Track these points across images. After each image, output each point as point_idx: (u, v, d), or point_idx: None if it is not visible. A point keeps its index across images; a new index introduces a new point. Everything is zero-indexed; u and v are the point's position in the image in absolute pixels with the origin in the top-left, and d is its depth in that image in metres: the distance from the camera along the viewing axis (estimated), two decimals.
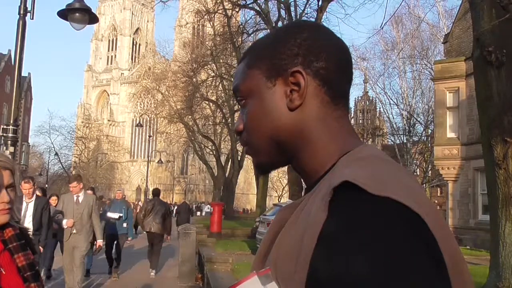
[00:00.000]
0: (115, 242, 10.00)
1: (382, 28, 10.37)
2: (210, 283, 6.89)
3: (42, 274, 7.02)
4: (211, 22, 28.11)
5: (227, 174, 34.58)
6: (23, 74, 8.32)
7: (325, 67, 0.73)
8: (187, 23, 43.86)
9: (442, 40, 23.95)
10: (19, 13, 6.70)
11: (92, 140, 77.66)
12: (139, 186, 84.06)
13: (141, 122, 43.64)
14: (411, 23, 33.37)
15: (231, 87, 28.61)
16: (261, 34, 24.42)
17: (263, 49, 0.78)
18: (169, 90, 37.16)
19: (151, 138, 48.59)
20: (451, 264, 0.58)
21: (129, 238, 10.57)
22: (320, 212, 0.59)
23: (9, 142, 6.64)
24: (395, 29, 34.49)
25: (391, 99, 35.59)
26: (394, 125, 36.44)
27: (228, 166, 35.21)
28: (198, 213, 49.21)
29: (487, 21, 6.08)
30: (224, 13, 24.29)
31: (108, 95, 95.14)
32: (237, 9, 23.82)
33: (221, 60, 28.82)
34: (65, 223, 6.97)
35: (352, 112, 44.63)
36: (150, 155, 49.13)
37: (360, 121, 43.97)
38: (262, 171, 0.81)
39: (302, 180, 0.78)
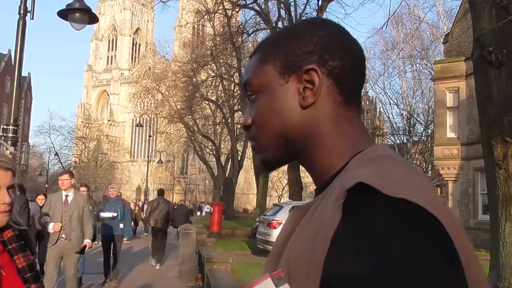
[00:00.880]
0: (112, 245, 9.22)
1: (383, 28, 10.35)
2: (210, 283, 6.89)
3: None
4: (211, 22, 28.11)
5: (227, 174, 34.58)
6: (23, 74, 8.33)
7: (340, 67, 0.72)
8: (187, 23, 43.86)
9: (442, 40, 23.95)
10: (19, 13, 6.70)
11: (92, 140, 77.67)
12: (139, 186, 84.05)
13: (141, 122, 43.66)
14: (411, 23, 33.38)
15: (231, 87, 28.66)
16: (261, 34, 24.43)
17: (277, 44, 0.76)
18: (169, 90, 37.15)
19: (151, 138, 48.61)
20: (465, 265, 0.58)
21: (125, 239, 9.90)
22: (334, 214, 0.59)
23: (9, 142, 6.64)
24: (395, 29, 34.51)
25: (391, 99, 35.63)
26: (394, 125, 36.46)
27: (228, 166, 35.21)
28: (198, 213, 49.21)
29: (487, 22, 6.08)
30: (224, 13, 24.29)
31: (108, 95, 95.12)
32: (237, 9, 23.82)
33: (221, 60, 28.81)
34: (51, 227, 5.94)
35: None
36: (150, 155, 49.13)
37: None
38: (268, 167, 0.80)
39: (312, 179, 0.77)
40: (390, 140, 40.53)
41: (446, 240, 0.56)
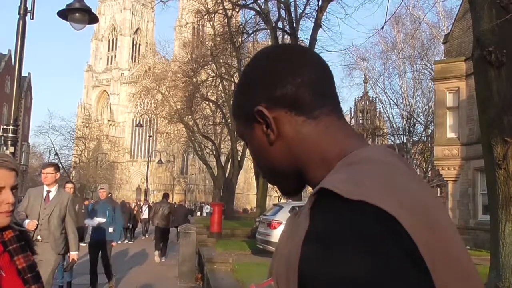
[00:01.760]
0: (100, 252, 8.39)
1: (382, 28, 10.36)
2: (210, 283, 6.89)
3: None
4: (211, 22, 28.10)
5: (227, 174, 34.58)
6: (23, 74, 8.32)
7: (284, 92, 0.75)
8: (187, 23, 43.84)
9: (442, 40, 23.95)
10: (19, 13, 6.70)
11: (92, 140, 77.62)
12: (139, 186, 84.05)
13: (141, 122, 43.66)
14: (411, 23, 33.37)
15: (231, 87, 28.72)
16: (261, 34, 24.44)
17: (235, 100, 0.84)
18: (169, 90, 37.14)
19: (151, 138, 48.62)
20: (450, 266, 0.59)
21: (114, 243, 8.62)
22: (303, 221, 0.62)
23: (9, 142, 6.64)
24: (395, 29, 34.49)
25: (391, 99, 35.58)
26: (394, 125, 36.43)
27: (228, 166, 35.20)
28: (198, 213, 49.20)
29: (487, 21, 6.08)
30: (224, 13, 24.28)
31: (108, 95, 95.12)
32: (237, 9, 23.80)
33: (221, 60, 28.80)
34: (25, 224, 5.06)
35: (352, 112, 44.63)
36: (150, 155, 49.16)
37: (360, 121, 43.92)
38: (288, 195, 0.85)
39: None
40: (390, 140, 40.52)
41: (402, 241, 0.57)
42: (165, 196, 14.69)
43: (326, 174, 0.71)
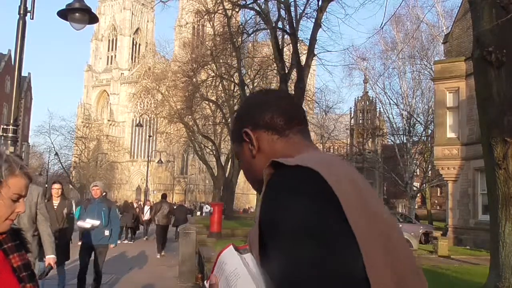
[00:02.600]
0: (94, 256, 7.37)
1: (382, 28, 10.36)
2: None
3: None
4: (211, 22, 28.11)
5: (227, 174, 34.58)
6: (23, 74, 8.31)
7: (265, 121, 1.06)
8: (187, 23, 43.86)
9: (442, 40, 23.95)
10: (19, 13, 6.70)
11: (92, 140, 77.63)
12: (139, 186, 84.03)
13: (141, 122, 43.63)
14: (411, 23, 33.36)
15: (231, 87, 28.74)
16: (261, 34, 24.42)
17: (231, 127, 1.19)
18: (169, 90, 37.15)
19: (151, 138, 48.60)
20: (369, 223, 0.83)
21: (112, 246, 7.64)
22: (264, 188, 0.92)
23: (9, 142, 6.64)
24: (395, 29, 34.48)
25: (391, 99, 35.54)
26: (394, 125, 36.42)
27: (228, 166, 35.20)
28: (198, 213, 49.20)
29: (487, 21, 6.08)
30: (224, 13, 24.27)
31: (108, 95, 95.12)
32: (237, 9, 23.78)
33: (221, 60, 28.80)
34: None
35: (352, 112, 44.64)
36: (150, 155, 49.14)
37: (360, 121, 43.96)
38: None
39: None
40: (390, 140, 40.56)
41: (324, 191, 0.84)
42: (164, 196, 16.16)
43: None
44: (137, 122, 50.34)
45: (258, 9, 21.35)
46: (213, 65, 30.01)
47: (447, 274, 9.78)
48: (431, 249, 15.94)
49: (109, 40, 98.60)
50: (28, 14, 6.75)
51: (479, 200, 17.25)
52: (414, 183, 35.65)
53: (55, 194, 6.94)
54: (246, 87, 27.16)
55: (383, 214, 0.88)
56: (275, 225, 0.82)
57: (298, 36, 20.25)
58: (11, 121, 6.81)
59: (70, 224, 7.26)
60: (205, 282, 0.94)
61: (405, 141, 34.44)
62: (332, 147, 49.49)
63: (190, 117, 33.73)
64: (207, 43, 33.59)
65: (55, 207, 6.84)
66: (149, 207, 20.82)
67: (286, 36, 21.98)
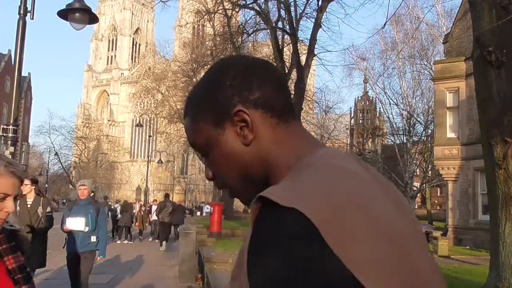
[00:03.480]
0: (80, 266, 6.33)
1: (383, 28, 10.36)
2: (210, 283, 6.89)
3: None
4: (211, 22, 28.10)
5: None
6: (23, 74, 8.32)
7: (262, 95, 0.78)
8: (187, 23, 43.85)
9: (442, 40, 23.95)
10: (19, 13, 6.70)
11: (92, 140, 77.66)
12: (139, 186, 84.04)
13: (141, 122, 43.64)
14: (411, 23, 33.35)
15: None
16: (261, 34, 24.42)
17: (201, 101, 0.82)
18: (169, 90, 37.14)
19: (151, 138, 48.59)
20: (387, 261, 0.60)
21: (100, 258, 6.49)
22: (250, 229, 0.66)
23: (9, 142, 6.64)
24: (395, 29, 34.47)
25: (391, 99, 35.51)
26: (394, 125, 36.38)
27: None
28: (198, 213, 49.17)
29: (487, 21, 6.08)
30: (224, 13, 24.26)
31: (108, 95, 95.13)
32: (237, 9, 23.79)
33: None
34: None
35: (352, 112, 44.64)
36: (150, 155, 49.16)
37: (360, 121, 43.94)
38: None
39: None
40: (390, 140, 40.53)
41: (314, 258, 0.60)
42: (167, 196, 17.79)
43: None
44: (137, 122, 50.33)
45: (258, 9, 21.36)
46: None
47: (447, 274, 9.77)
48: (431, 249, 15.91)
49: (109, 40, 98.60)
50: (28, 14, 6.75)
51: (479, 200, 17.25)
52: (414, 183, 35.64)
53: (25, 191, 6.04)
54: None
55: (423, 263, 0.66)
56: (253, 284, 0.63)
57: (298, 36, 20.25)
58: (11, 121, 6.82)
59: (49, 225, 6.31)
60: None
61: (405, 141, 34.42)
62: (332, 147, 49.49)
63: None
64: (207, 43, 33.59)
65: (29, 204, 6.09)
66: (157, 206, 19.79)
67: (286, 36, 21.98)
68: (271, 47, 22.07)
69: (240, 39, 24.02)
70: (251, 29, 23.14)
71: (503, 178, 5.99)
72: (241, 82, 0.78)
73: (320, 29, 19.01)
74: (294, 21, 19.66)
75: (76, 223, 6.11)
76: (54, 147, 62.82)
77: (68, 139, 69.12)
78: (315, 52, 20.25)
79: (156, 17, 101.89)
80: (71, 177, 70.16)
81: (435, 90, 19.91)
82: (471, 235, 17.35)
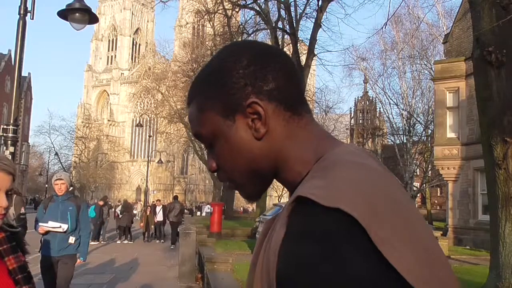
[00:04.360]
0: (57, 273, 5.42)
1: (382, 28, 10.36)
2: (210, 283, 6.89)
3: None
4: (211, 22, 28.11)
5: None
6: (23, 74, 8.32)
7: (276, 87, 0.73)
8: (187, 23, 43.86)
9: (442, 40, 23.95)
10: (19, 13, 6.70)
11: (92, 140, 77.66)
12: (139, 186, 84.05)
13: (141, 122, 43.63)
14: (411, 23, 33.36)
15: None
16: (261, 34, 24.42)
17: (209, 89, 0.76)
18: (169, 90, 37.16)
19: (151, 138, 48.60)
20: (422, 261, 0.59)
21: (80, 260, 5.52)
22: (281, 228, 0.62)
23: (9, 142, 6.64)
24: (395, 29, 34.48)
25: (391, 99, 35.54)
26: (394, 125, 36.41)
27: None
28: (198, 213, 49.19)
29: (487, 21, 6.08)
30: (224, 13, 24.28)
31: (108, 95, 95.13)
32: (237, 9, 23.80)
33: None
34: None
35: (352, 112, 44.65)
36: (150, 155, 49.14)
37: (360, 121, 43.95)
38: (254, 200, 0.81)
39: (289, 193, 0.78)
40: (390, 140, 40.53)
41: (362, 257, 0.57)
42: (176, 197, 19.42)
43: (303, 174, 0.71)
44: (137, 122, 50.33)
45: (258, 9, 21.37)
46: None
47: None
48: None
49: (109, 40, 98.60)
50: (28, 14, 6.75)
51: (479, 200, 17.25)
52: (414, 183, 35.65)
53: None
54: None
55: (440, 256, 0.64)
56: None
57: (298, 36, 20.26)
58: (11, 121, 6.81)
59: (21, 226, 5.67)
60: None
61: (405, 141, 34.44)
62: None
63: None
64: (207, 43, 33.60)
65: None
66: (161, 207, 19.50)
67: (286, 36, 22.00)
68: None
69: (240, 39, 24.01)
70: (251, 29, 23.16)
71: (503, 178, 5.99)
72: (254, 71, 0.73)
73: (320, 29, 19.03)
74: (294, 21, 19.67)
75: (53, 223, 5.29)
76: (54, 147, 62.92)
77: (68, 139, 69.21)
78: (315, 52, 20.27)
79: (156, 17, 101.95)
80: (71, 177, 70.01)
81: (435, 90, 19.91)
82: (471, 235, 17.35)
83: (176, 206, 17.47)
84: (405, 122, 34.29)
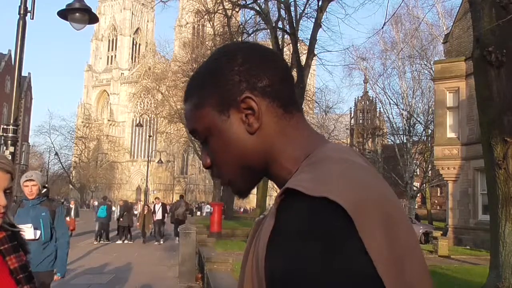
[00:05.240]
0: None
1: (382, 29, 10.36)
2: (210, 283, 6.89)
3: None
4: (211, 22, 28.12)
5: None
6: (23, 74, 8.32)
7: (270, 84, 0.76)
8: (187, 23, 43.83)
9: (442, 40, 23.95)
10: (19, 13, 6.70)
11: (92, 140, 77.75)
12: (139, 186, 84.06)
13: (141, 122, 43.65)
14: (411, 23, 33.36)
15: None
16: (261, 34, 24.44)
17: (205, 86, 0.79)
18: (169, 90, 37.17)
19: (151, 138, 48.61)
20: (393, 256, 0.61)
21: (57, 276, 4.52)
22: (270, 220, 0.65)
23: (9, 142, 6.64)
24: (395, 29, 34.48)
25: (391, 99, 35.54)
26: (394, 125, 36.41)
27: None
28: (198, 213, 49.18)
29: (487, 21, 6.09)
30: (224, 13, 24.29)
31: (108, 95, 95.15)
32: (237, 9, 23.81)
33: None
34: None
35: (352, 112, 44.66)
36: (150, 155, 49.17)
37: (360, 121, 43.96)
38: (244, 196, 0.83)
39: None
40: (390, 140, 40.54)
41: (347, 239, 0.59)
42: (181, 197, 21.09)
43: (293, 171, 0.73)
44: (137, 122, 50.36)
45: (258, 9, 21.38)
46: None
47: (447, 274, 9.77)
48: (431, 249, 15.93)
49: (109, 40, 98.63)
50: (28, 14, 6.75)
51: (479, 200, 17.25)
52: (414, 183, 35.65)
53: None
54: None
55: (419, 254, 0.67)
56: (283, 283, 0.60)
57: (298, 36, 20.28)
58: (11, 121, 6.81)
59: None
60: None
61: (405, 141, 34.44)
62: (333, 141, 49.51)
63: None
64: (207, 43, 33.60)
65: None
66: (160, 205, 18.85)
67: (286, 36, 22.01)
68: (271, 47, 22.06)
69: (240, 39, 24.02)
70: (251, 29, 23.18)
71: (503, 178, 5.99)
72: (249, 68, 0.76)
73: (320, 29, 19.05)
74: (294, 21, 19.67)
75: (25, 231, 3.73)
76: (54, 147, 63.03)
77: (68, 139, 69.33)
78: (315, 52, 20.29)
79: (156, 17, 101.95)
80: (71, 177, 70.14)
81: (435, 90, 19.91)
82: (471, 235, 17.36)
83: (182, 204, 18.95)
84: (405, 122, 34.30)
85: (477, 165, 16.18)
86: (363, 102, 43.98)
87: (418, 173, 38.49)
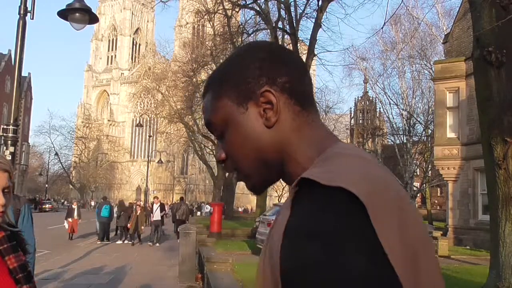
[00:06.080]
0: None
1: (382, 29, 10.36)
2: (210, 283, 6.89)
3: None
4: (211, 22, 28.12)
5: (227, 174, 34.54)
6: (23, 74, 8.31)
7: (289, 80, 0.78)
8: (187, 23, 43.82)
9: (441, 40, 23.95)
10: (19, 13, 6.70)
11: (92, 140, 77.74)
12: (139, 186, 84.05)
13: (141, 122, 43.64)
14: (410, 24, 33.37)
15: None
16: (261, 34, 24.41)
17: (226, 78, 0.80)
18: (169, 90, 37.16)
19: (151, 138, 48.61)
20: (407, 252, 0.61)
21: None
22: (285, 211, 0.65)
23: (9, 142, 6.63)
24: (394, 29, 34.47)
25: (391, 99, 35.55)
26: (394, 125, 36.42)
27: None
28: (198, 213, 49.19)
29: (487, 21, 6.09)
30: (224, 13, 24.28)
31: (108, 95, 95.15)
32: (237, 9, 23.81)
33: (221, 60, 28.79)
34: None
35: (352, 112, 44.65)
36: (150, 155, 49.14)
37: (360, 121, 43.96)
38: (258, 192, 0.84)
39: None
40: (390, 140, 40.52)
41: (363, 229, 0.59)
42: (182, 199, 21.94)
43: (307, 168, 0.72)
44: (137, 122, 50.37)
45: (258, 9, 21.38)
46: (213, 65, 30.00)
47: (447, 274, 9.77)
48: None
49: (109, 40, 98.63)
50: (28, 14, 6.75)
51: (479, 200, 17.25)
52: (414, 183, 35.66)
53: None
54: None
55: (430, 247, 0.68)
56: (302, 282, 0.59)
57: (298, 36, 20.27)
58: (11, 121, 6.81)
59: None
60: None
61: (405, 141, 34.44)
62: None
63: (190, 117, 33.74)
64: (207, 43, 33.61)
65: None
66: (158, 205, 18.14)
67: (286, 36, 22.00)
68: None
69: (240, 39, 24.02)
70: (251, 29, 23.16)
71: (503, 178, 5.99)
72: (269, 64, 0.78)
73: (320, 29, 19.05)
74: (294, 21, 19.67)
75: None
76: (54, 147, 63.04)
77: (68, 139, 69.34)
78: (315, 52, 20.28)
79: (156, 17, 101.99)
80: (71, 177, 70.15)
81: (435, 90, 19.91)
82: (471, 235, 17.36)
83: (182, 206, 19.50)
84: (405, 122, 34.30)
85: (477, 165, 16.18)
86: (363, 102, 43.98)
87: (418, 173, 38.50)
